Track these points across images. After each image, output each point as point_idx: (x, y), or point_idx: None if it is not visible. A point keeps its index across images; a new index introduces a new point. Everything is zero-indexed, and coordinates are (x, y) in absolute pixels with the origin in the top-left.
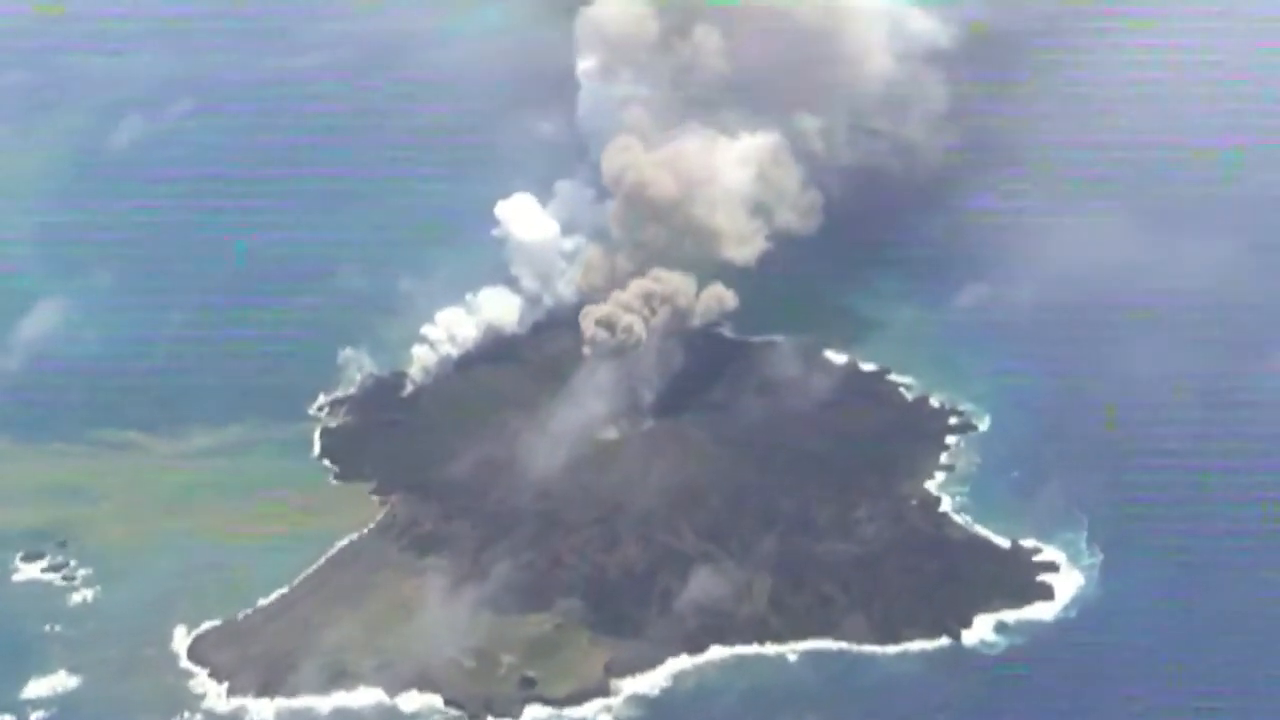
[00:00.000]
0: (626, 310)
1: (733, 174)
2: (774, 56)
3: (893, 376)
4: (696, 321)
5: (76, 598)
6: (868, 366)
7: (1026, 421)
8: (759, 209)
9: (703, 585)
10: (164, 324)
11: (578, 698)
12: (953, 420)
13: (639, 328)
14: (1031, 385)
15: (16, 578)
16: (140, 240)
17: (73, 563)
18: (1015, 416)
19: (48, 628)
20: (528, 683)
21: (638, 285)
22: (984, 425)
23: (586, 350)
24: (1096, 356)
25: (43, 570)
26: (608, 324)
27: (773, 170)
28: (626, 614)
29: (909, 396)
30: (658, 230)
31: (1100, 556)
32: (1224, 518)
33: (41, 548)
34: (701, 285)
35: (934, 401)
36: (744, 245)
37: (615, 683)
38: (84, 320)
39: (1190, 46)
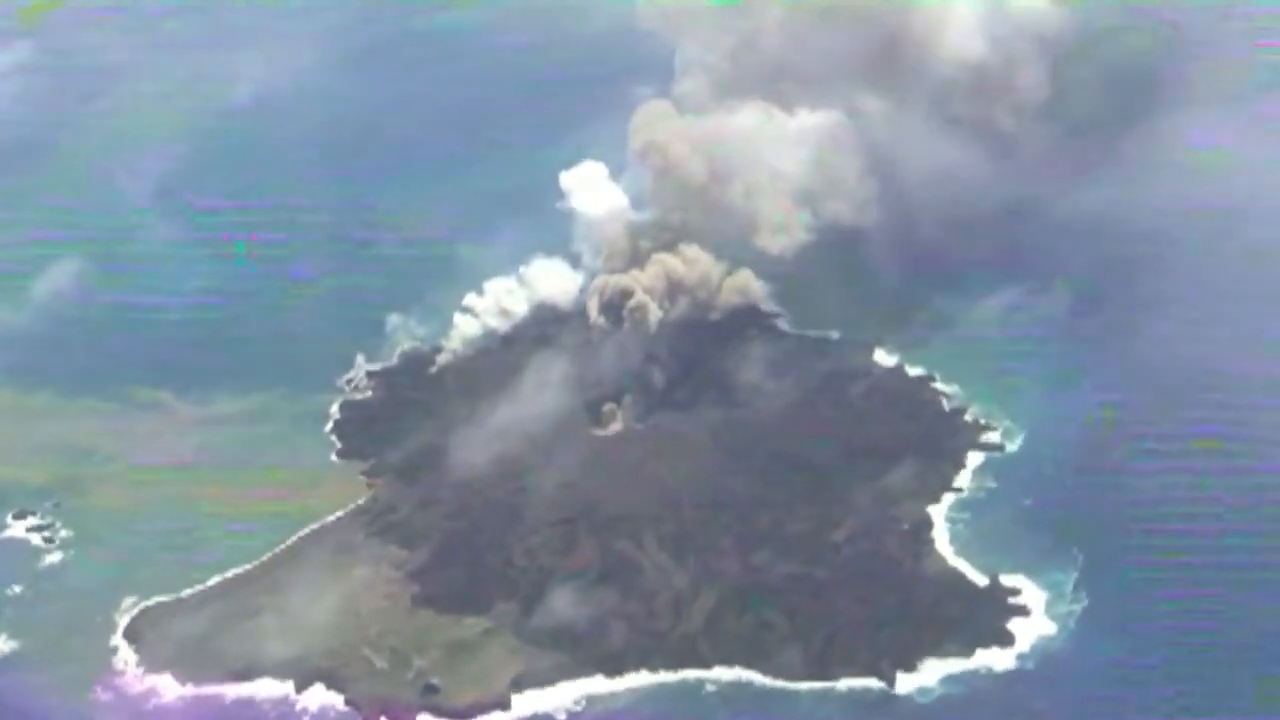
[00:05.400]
0: (644, 291)
1: (782, 155)
2: (840, 32)
3: (937, 385)
4: (716, 314)
5: (49, 559)
6: (915, 371)
7: (1064, 445)
8: (806, 196)
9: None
10: (226, 281)
11: (475, 710)
12: (982, 438)
13: (651, 311)
14: (1086, 406)
15: (2, 535)
16: (218, 196)
17: (57, 524)
18: (1053, 438)
19: (10, 590)
20: (430, 690)
21: (660, 263)
22: (1014, 445)
23: (593, 336)
24: (1167, 380)
25: (27, 530)
26: (613, 307)
27: (830, 154)
28: (560, 624)
29: (946, 407)
30: (686, 212)
31: (1084, 603)
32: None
33: (36, 506)
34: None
35: (969, 415)
36: (779, 235)
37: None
38: (144, 276)
39: None
